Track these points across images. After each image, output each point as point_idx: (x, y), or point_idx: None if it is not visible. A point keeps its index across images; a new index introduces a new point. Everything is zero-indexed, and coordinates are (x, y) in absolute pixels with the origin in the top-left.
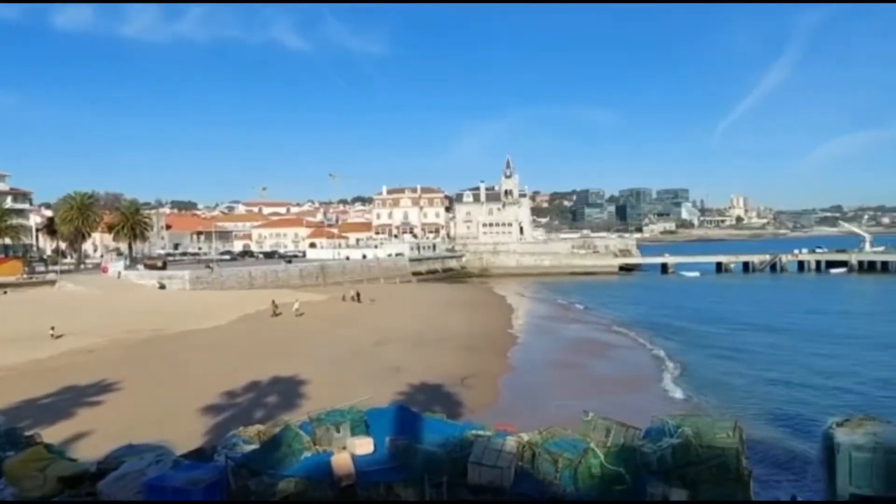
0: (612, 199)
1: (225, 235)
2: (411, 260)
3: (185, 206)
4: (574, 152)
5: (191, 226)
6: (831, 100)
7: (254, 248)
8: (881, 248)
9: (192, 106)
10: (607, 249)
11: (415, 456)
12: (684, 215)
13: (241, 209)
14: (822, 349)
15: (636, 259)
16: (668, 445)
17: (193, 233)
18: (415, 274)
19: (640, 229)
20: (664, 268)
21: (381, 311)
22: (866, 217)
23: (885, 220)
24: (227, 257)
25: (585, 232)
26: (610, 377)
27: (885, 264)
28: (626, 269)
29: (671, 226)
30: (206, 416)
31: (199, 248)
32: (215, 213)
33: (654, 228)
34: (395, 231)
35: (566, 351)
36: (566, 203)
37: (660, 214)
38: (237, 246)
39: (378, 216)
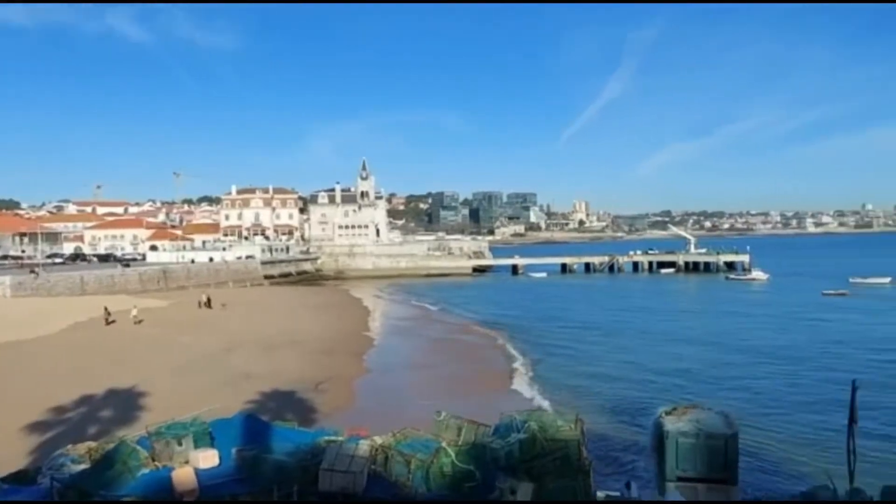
0: (465, 202)
1: (53, 237)
2: (263, 263)
3: (7, 206)
4: (429, 155)
5: (12, 226)
6: (662, 111)
7: (86, 250)
8: (703, 250)
9: (14, 98)
10: (461, 251)
11: (263, 466)
12: (533, 218)
13: (71, 209)
14: (653, 344)
15: (488, 261)
16: (516, 441)
17: (15, 234)
18: (267, 277)
19: (492, 232)
20: (514, 269)
21: (231, 316)
22: (691, 221)
23: (707, 223)
24: (57, 261)
25: (441, 234)
26: (464, 376)
27: (706, 264)
28: (479, 270)
29: (521, 228)
30: (29, 435)
31: (23, 251)
32: (41, 212)
33: (505, 231)
34: (245, 233)
35: (422, 352)
36: (422, 205)
37: (510, 217)
38: (67, 248)
39: (227, 217)
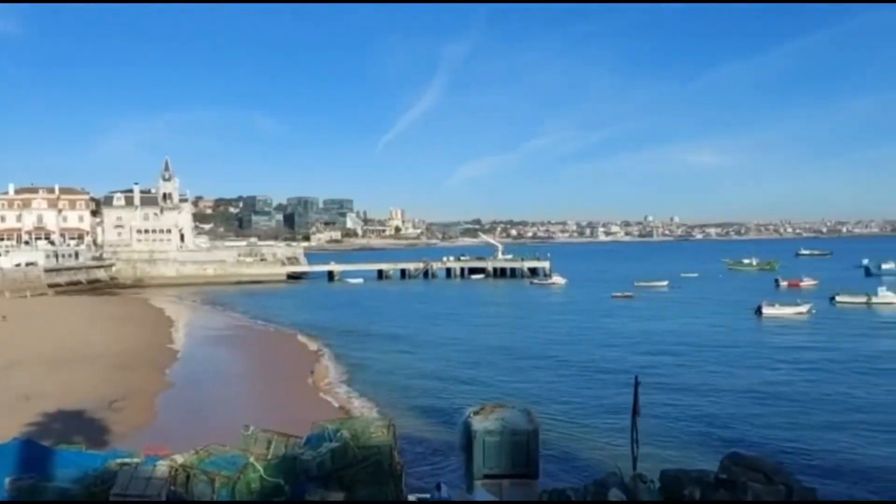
0: (280, 207)
1: None
2: (47, 270)
3: None
4: (241, 157)
5: None
6: (472, 125)
7: None
8: (510, 256)
9: None
10: (275, 258)
11: (43, 496)
12: (349, 225)
13: None
14: (464, 348)
15: (303, 267)
16: (328, 450)
17: None
18: (52, 286)
19: (307, 238)
20: (330, 275)
21: (12, 329)
22: (499, 229)
23: (513, 232)
24: None
25: (253, 240)
26: (275, 387)
27: (513, 270)
28: (293, 277)
29: (337, 235)
30: None
31: None
32: None
33: (321, 237)
34: (25, 237)
35: (231, 363)
36: (232, 210)
37: (327, 223)
38: None
39: (3, 219)
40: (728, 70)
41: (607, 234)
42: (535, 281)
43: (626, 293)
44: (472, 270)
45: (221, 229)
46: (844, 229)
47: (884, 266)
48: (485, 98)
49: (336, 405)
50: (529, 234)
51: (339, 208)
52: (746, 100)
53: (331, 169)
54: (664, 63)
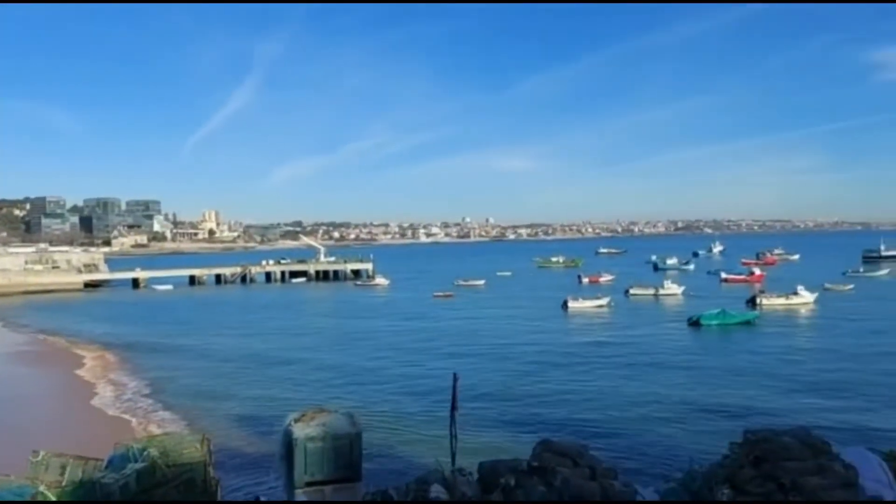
0: (75, 209)
1: None
2: None
3: None
4: (26, 155)
5: None
6: (289, 125)
7: None
8: (332, 259)
9: None
10: (70, 265)
11: None
12: (157, 228)
13: None
14: (283, 352)
15: (104, 274)
16: (132, 471)
17: None
18: None
19: (108, 242)
20: (136, 282)
21: None
22: (321, 231)
23: (336, 234)
24: None
25: (43, 245)
26: (72, 407)
27: (336, 273)
28: (92, 285)
29: (143, 238)
30: None
31: None
32: None
33: (124, 241)
34: None
35: (14, 384)
36: (17, 212)
37: (131, 226)
38: None
39: None
40: (534, 82)
41: (428, 235)
42: (359, 283)
43: (447, 292)
44: (294, 274)
45: (4, 234)
46: (636, 229)
47: (668, 261)
48: (302, 98)
49: (144, 422)
50: (352, 236)
51: (145, 210)
52: (550, 110)
53: (135, 168)
54: (478, 72)
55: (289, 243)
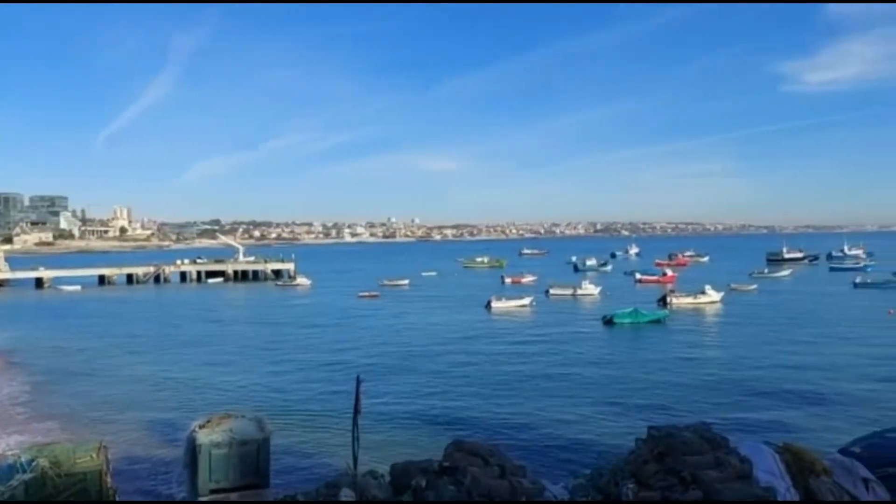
0: None
1: None
2: None
3: None
4: None
5: None
6: (206, 121)
7: None
8: (252, 258)
9: None
10: None
11: None
12: (64, 225)
13: None
14: (192, 358)
15: (4, 274)
16: (20, 483)
17: None
18: None
19: (9, 240)
20: (39, 282)
21: None
22: (241, 230)
23: (256, 233)
24: None
25: None
26: None
27: (255, 273)
28: None
29: (48, 236)
30: None
31: None
32: None
33: (27, 239)
34: None
35: None
36: None
37: (34, 223)
38: None
39: None
40: (459, 82)
41: (353, 234)
42: (279, 283)
43: (373, 292)
44: (210, 274)
45: None
46: (558, 230)
47: (588, 262)
48: (221, 93)
49: (33, 431)
50: (273, 236)
51: (51, 206)
52: (475, 111)
53: (39, 162)
54: (402, 71)
55: (206, 242)
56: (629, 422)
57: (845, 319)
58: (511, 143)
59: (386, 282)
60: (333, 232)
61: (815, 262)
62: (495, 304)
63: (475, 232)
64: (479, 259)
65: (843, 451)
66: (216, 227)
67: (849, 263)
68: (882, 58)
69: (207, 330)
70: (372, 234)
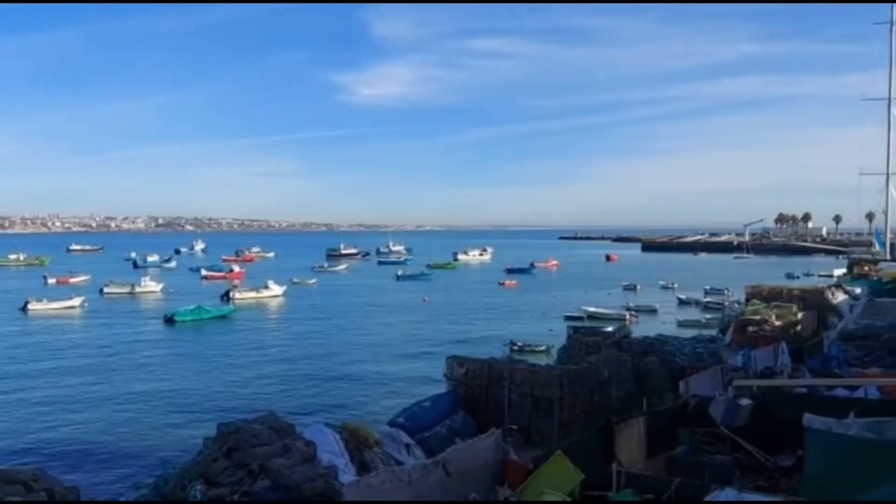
0: None
1: None
2: None
3: None
4: None
5: None
6: None
7: None
8: None
9: None
10: None
11: None
12: None
13: None
14: None
15: None
16: None
17: None
18: None
19: None
20: None
21: None
22: None
23: None
24: None
25: None
26: None
27: None
28: None
29: None
30: None
31: None
32: None
33: None
34: None
35: None
36: None
37: None
38: None
39: None
40: None
41: None
42: None
43: None
44: None
45: None
46: (114, 224)
47: (149, 258)
48: None
49: None
50: None
51: None
52: (14, 85)
53: None
54: None
55: None
56: (199, 422)
57: (390, 307)
58: (60, 125)
59: None
60: None
61: (367, 257)
62: (34, 306)
63: (7, 224)
64: (12, 256)
65: (391, 423)
66: None
67: (393, 258)
68: (414, 80)
69: None
70: None
